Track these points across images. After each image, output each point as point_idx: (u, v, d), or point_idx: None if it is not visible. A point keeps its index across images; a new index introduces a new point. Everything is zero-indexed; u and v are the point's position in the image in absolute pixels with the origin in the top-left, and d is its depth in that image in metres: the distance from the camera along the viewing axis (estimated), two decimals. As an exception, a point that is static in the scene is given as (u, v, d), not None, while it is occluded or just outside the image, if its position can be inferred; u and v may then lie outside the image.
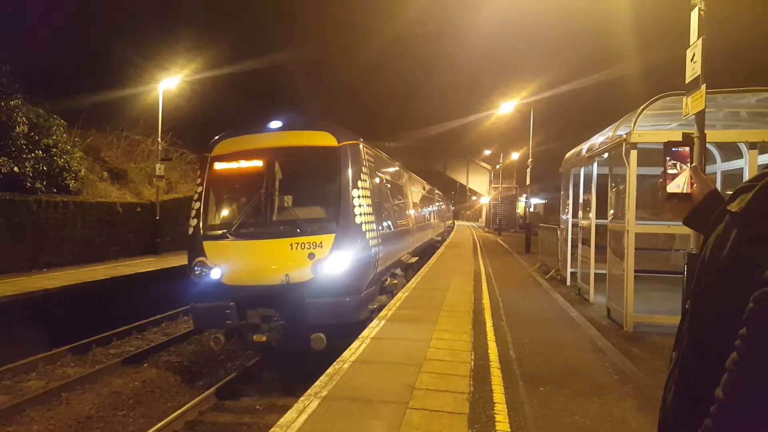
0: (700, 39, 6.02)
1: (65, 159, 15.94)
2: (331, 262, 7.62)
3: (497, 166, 60.03)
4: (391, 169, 13.03)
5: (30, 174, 14.41)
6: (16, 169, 13.90)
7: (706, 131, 6.30)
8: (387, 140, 52.41)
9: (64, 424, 6.97)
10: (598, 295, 10.25)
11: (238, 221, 8.18)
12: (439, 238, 27.02)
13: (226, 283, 7.75)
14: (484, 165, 68.10)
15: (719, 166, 10.37)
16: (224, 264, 7.79)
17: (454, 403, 4.76)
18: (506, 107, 31.12)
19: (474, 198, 78.07)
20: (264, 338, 7.71)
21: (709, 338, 1.15)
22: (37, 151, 14.85)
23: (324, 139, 8.27)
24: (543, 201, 56.89)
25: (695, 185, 1.56)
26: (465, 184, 70.95)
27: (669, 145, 1.60)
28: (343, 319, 7.81)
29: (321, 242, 7.68)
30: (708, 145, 8.74)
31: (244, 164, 8.43)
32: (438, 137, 61.36)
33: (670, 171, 1.57)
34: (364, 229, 8.05)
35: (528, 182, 27.55)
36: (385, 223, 9.93)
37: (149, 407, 7.55)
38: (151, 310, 12.64)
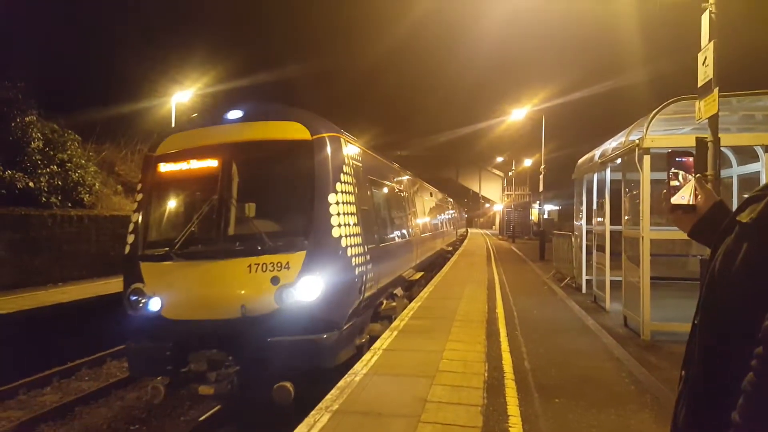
0: (712, 42, 5.93)
1: (80, 173, 16.14)
2: (300, 287, 5.85)
3: (510, 173, 59.78)
4: (388, 172, 11.12)
5: (45, 189, 14.60)
6: (31, 184, 14.09)
7: (720, 135, 6.20)
8: (398, 149, 52.47)
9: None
10: (614, 302, 10.08)
11: (182, 237, 6.32)
12: (450, 248, 24.39)
13: (166, 316, 6.06)
14: (497, 172, 67.88)
15: (735, 170, 10.19)
16: (165, 292, 6.10)
17: (467, 416, 4.67)
18: (518, 114, 31.08)
19: (487, 205, 77.81)
20: (211, 390, 5.75)
21: (721, 357, 1.08)
22: (52, 166, 15.06)
23: (294, 131, 6.55)
24: (557, 208, 56.44)
25: (700, 196, 1.50)
26: (477, 191, 70.74)
27: (673, 155, 1.54)
28: (316, 363, 5.95)
29: (288, 262, 5.91)
30: (723, 149, 8.60)
31: (194, 165, 6.70)
32: (449, 145, 61.44)
33: (673, 182, 1.52)
34: (345, 245, 6.35)
35: (541, 189, 27.38)
36: (378, 236, 8.32)
37: (162, 422, 7.54)
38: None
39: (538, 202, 36.90)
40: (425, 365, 6.20)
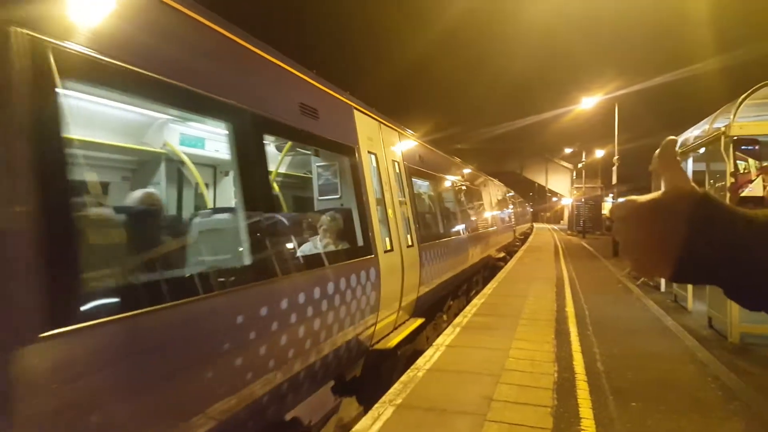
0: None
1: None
2: None
3: (579, 165, 57.58)
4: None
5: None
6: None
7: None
8: (457, 142, 51.73)
9: None
10: (697, 302, 9.42)
11: None
12: (501, 255, 18.94)
13: None
14: (565, 164, 65.58)
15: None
16: None
17: (535, 416, 4.47)
18: (588, 103, 29.79)
19: (554, 199, 75.44)
20: None
21: None
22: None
23: None
24: (631, 201, 53.80)
25: None
26: (544, 184, 68.72)
27: (739, 142, 1.30)
28: None
29: None
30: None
31: None
32: (513, 136, 59.63)
33: (742, 173, 1.28)
34: None
35: (614, 181, 26.13)
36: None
37: None
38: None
39: (611, 195, 35.30)
40: (490, 363, 6.02)
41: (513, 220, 25.79)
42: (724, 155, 7.43)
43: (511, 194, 28.93)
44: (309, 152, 5.94)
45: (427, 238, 7.96)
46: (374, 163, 6.13)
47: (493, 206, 18.53)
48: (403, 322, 6.79)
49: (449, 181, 11.11)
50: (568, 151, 61.21)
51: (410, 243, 6.92)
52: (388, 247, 5.98)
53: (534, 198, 72.94)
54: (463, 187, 12.65)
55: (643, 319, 8.99)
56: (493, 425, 4.29)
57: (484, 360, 6.15)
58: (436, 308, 9.14)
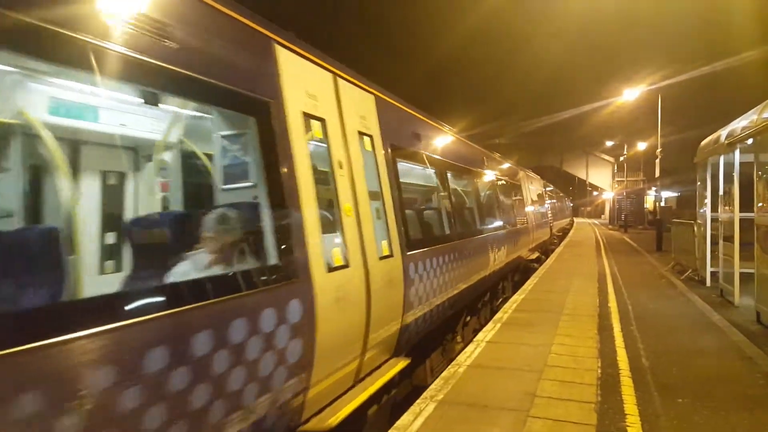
0: None
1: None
2: None
3: (621, 158, 56.17)
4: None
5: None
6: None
7: None
8: (495, 137, 51.22)
9: None
10: (744, 297, 9.15)
11: None
12: (535, 256, 16.63)
13: None
14: (606, 157, 64.16)
15: None
16: None
17: (579, 413, 4.49)
18: (630, 95, 29.10)
19: (595, 193, 73.84)
20: None
21: None
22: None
23: None
24: (675, 194, 52.32)
25: None
26: (584, 178, 67.33)
27: None
28: None
29: None
30: None
31: None
32: (551, 130, 58.70)
33: None
34: None
35: (657, 174, 25.47)
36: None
37: None
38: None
39: (653, 188, 34.36)
40: (531, 359, 6.03)
41: (550, 215, 23.75)
42: (773, 146, 7.22)
43: (549, 188, 27.77)
44: (204, 115, 3.96)
45: (423, 243, 6.06)
46: (319, 134, 4.12)
47: (525, 200, 16.28)
48: (377, 368, 4.93)
49: (463, 169, 8.96)
50: (609, 144, 59.79)
51: (388, 252, 4.97)
52: (339, 263, 4.05)
53: (574, 192, 71.48)
54: (484, 178, 10.64)
55: (689, 314, 8.80)
56: (537, 421, 4.32)
57: (525, 356, 6.17)
58: (443, 330, 7.45)
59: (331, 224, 4.19)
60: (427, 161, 7.02)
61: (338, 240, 4.19)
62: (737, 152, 9.45)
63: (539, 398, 4.82)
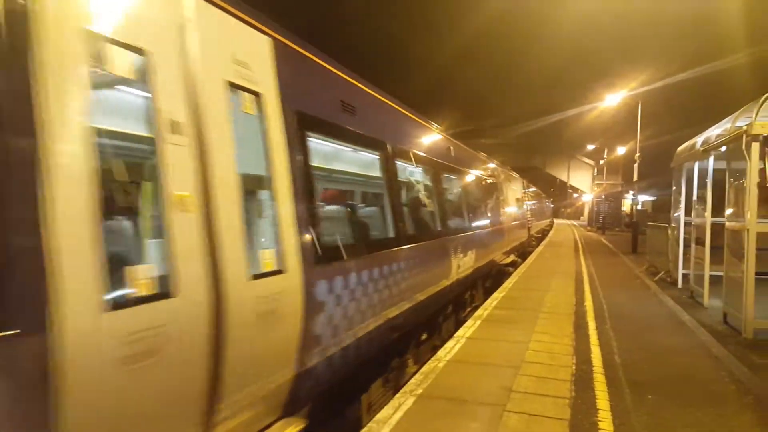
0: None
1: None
2: None
3: (601, 162, 57.03)
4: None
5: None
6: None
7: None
8: (482, 137, 51.55)
9: None
10: (713, 298, 9.47)
11: None
12: (507, 260, 15.02)
13: None
14: (587, 161, 65.00)
15: None
16: None
17: (554, 407, 4.66)
18: (611, 100, 29.61)
19: (575, 195, 74.83)
20: None
21: None
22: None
23: None
24: (652, 198, 53.30)
25: None
26: (565, 180, 68.15)
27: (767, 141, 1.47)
28: None
29: None
30: None
31: None
32: (536, 133, 59.32)
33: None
34: None
35: (635, 178, 25.99)
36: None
37: None
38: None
39: (631, 192, 34.99)
40: (510, 355, 6.20)
41: (529, 216, 22.09)
42: (745, 154, 7.50)
43: (531, 189, 27.35)
44: None
45: (348, 250, 4.44)
46: (130, 72, 2.50)
47: (501, 200, 14.56)
48: None
49: (418, 157, 7.17)
50: (590, 147, 60.64)
51: (274, 267, 3.39)
52: (147, 290, 2.41)
53: (555, 194, 72.32)
54: (448, 172, 8.96)
55: (660, 314, 9.09)
56: (513, 416, 4.47)
57: (504, 352, 6.34)
58: (386, 357, 5.97)
59: (139, 225, 2.71)
60: (364, 143, 5.51)
61: (154, 252, 2.60)
62: (711, 159, 9.76)
63: (516, 393, 4.98)
